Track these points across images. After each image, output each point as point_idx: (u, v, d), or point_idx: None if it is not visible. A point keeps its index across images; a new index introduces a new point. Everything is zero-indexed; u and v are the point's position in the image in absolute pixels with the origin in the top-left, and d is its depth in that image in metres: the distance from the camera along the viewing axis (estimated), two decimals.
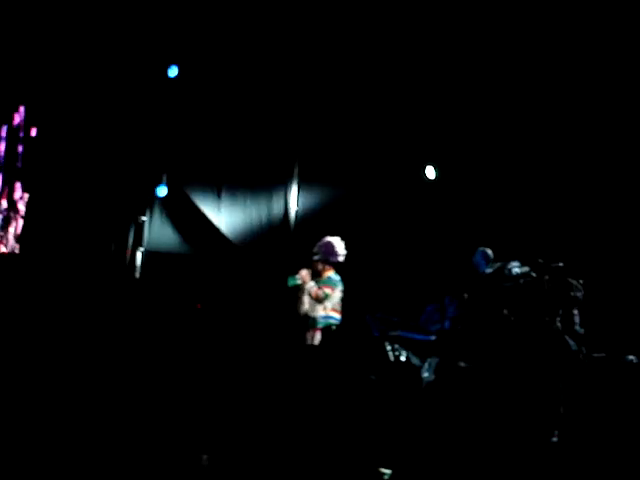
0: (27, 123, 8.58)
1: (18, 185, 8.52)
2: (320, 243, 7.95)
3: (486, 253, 8.26)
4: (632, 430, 6.46)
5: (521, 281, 7.54)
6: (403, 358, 7.59)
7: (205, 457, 5.72)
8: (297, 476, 5.70)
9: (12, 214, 8.51)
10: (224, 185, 10.43)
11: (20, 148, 8.54)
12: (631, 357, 7.30)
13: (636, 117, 9.07)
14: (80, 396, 6.20)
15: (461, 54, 9.73)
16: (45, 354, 6.95)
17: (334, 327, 7.49)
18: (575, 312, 7.38)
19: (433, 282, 9.20)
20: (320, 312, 7.69)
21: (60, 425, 5.75)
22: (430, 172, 10.09)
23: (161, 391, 6.54)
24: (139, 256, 10.23)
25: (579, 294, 7.40)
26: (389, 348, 7.55)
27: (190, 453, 5.76)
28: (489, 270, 8.05)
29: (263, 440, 5.97)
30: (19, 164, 8.54)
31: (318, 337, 7.61)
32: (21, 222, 8.49)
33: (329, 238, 7.97)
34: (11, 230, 8.51)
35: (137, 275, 10.25)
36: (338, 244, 7.96)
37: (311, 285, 7.75)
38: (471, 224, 9.58)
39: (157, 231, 10.32)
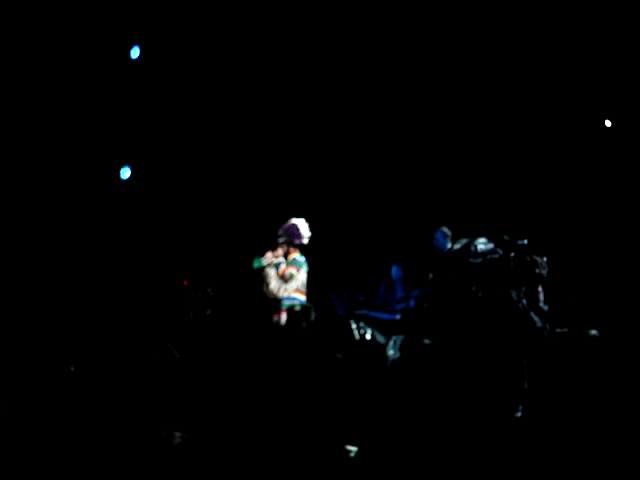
0: None
1: None
2: (285, 225, 7.92)
3: (445, 232, 8.30)
4: (594, 403, 6.50)
5: (488, 257, 7.56)
6: (368, 336, 7.58)
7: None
8: (261, 454, 5.70)
9: None
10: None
11: None
12: (593, 332, 7.35)
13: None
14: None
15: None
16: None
17: (298, 308, 7.47)
18: (540, 289, 7.42)
19: (398, 260, 9.26)
20: (282, 294, 7.68)
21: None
22: None
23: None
24: None
25: (544, 271, 7.44)
26: (354, 326, 7.54)
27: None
28: (457, 246, 8.08)
29: (228, 418, 5.97)
30: None
31: (284, 318, 7.60)
32: None
33: (294, 220, 7.94)
34: None
35: None
36: (302, 226, 7.93)
37: (280, 261, 7.72)
38: (433, 202, 9.63)
39: None
